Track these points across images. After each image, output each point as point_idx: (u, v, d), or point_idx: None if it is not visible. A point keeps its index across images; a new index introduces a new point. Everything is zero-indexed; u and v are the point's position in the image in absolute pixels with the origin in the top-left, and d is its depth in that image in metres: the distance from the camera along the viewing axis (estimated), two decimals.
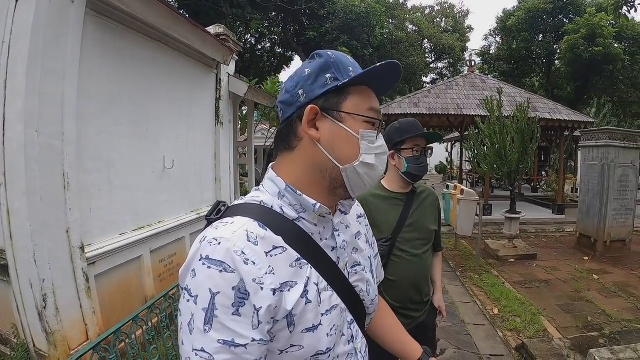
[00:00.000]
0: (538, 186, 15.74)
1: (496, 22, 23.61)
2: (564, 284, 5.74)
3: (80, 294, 2.86)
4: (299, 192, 0.85)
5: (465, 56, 22.48)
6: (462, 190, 7.04)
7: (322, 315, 0.82)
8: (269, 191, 0.88)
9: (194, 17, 12.97)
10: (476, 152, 7.60)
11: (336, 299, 0.86)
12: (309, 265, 0.82)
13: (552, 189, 13.33)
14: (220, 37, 5.49)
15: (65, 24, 2.65)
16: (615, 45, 17.82)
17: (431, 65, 25.02)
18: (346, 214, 0.97)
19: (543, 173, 16.53)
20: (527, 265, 6.68)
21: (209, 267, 0.71)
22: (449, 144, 23.93)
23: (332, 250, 0.90)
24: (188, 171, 4.68)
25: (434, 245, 2.19)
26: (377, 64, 0.82)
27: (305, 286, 0.80)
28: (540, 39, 21.78)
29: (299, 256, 0.81)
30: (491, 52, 24.27)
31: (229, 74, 5.76)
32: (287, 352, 0.77)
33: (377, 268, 1.20)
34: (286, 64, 21.06)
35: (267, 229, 0.79)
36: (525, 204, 12.11)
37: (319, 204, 0.85)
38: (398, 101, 11.80)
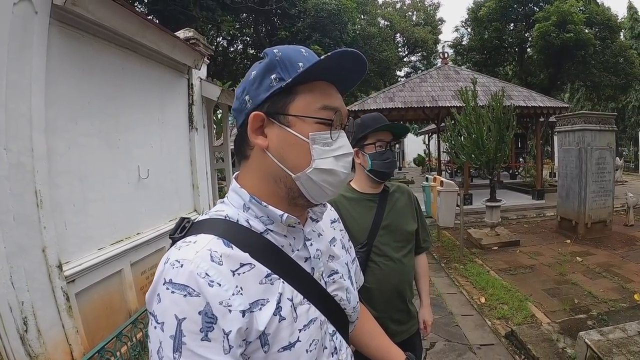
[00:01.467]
0: (517, 173, 16.10)
1: (467, 14, 23.95)
2: (549, 268, 5.87)
3: (62, 314, 2.75)
4: (264, 203, 0.80)
5: (438, 49, 22.78)
6: (442, 182, 7.12)
7: (300, 330, 0.77)
8: (234, 204, 0.83)
9: (164, 22, 12.74)
10: (454, 142, 7.69)
11: (314, 312, 0.82)
12: (281, 280, 0.77)
13: (530, 175, 13.64)
14: (190, 41, 5.38)
15: (29, 35, 2.53)
16: (586, 30, 18.23)
17: (404, 59, 25.24)
18: (317, 221, 0.92)
19: (521, 160, 16.90)
20: (511, 252, 6.81)
21: (172, 292, 0.66)
22: (426, 136, 24.22)
23: (305, 261, 0.85)
24: (164, 179, 4.57)
25: (415, 246, 2.05)
26: (326, 54, 0.74)
27: (278, 303, 0.75)
28: (511, 28, 22.21)
29: (269, 271, 0.76)
30: (463, 43, 24.62)
31: (201, 78, 5.66)
32: None
33: (356, 273, 1.16)
34: None
35: (233, 245, 0.74)
36: (505, 191, 12.36)
37: (286, 215, 0.80)
38: (373, 96, 11.89)
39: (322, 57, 0.74)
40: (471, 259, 6.60)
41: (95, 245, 3.35)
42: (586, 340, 3.12)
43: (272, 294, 0.75)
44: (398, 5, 25.31)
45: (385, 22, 22.10)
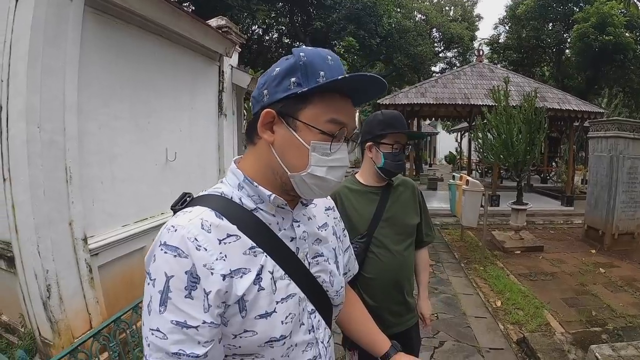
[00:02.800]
0: (548, 177, 15.57)
1: (505, 11, 23.19)
2: (570, 277, 5.70)
3: (84, 284, 2.94)
4: (256, 184, 0.88)
5: (475, 45, 22.16)
6: (467, 181, 7.01)
7: (277, 302, 0.84)
8: (230, 183, 0.91)
9: (199, 9, 12.99)
10: (482, 142, 7.54)
11: (294, 288, 0.88)
12: (265, 254, 0.84)
13: (561, 180, 13.18)
14: (222, 29, 5.49)
15: (64, 22, 2.70)
16: (627, 34, 17.35)
17: (440, 55, 24.70)
18: (306, 205, 0.98)
19: (553, 164, 16.33)
20: (533, 258, 6.64)
21: (165, 252, 0.76)
22: (459, 134, 23.73)
23: (291, 241, 0.92)
24: (191, 163, 4.73)
25: (416, 239, 2.07)
26: (341, 76, 0.80)
27: (259, 274, 0.82)
28: (550, 28, 21.33)
29: (254, 244, 0.83)
30: (500, 41, 23.87)
31: (232, 66, 5.78)
32: (240, 337, 0.81)
33: (349, 261, 1.23)
34: None
35: (224, 218, 0.82)
36: (534, 195, 12.01)
37: (274, 195, 0.87)
38: (405, 91, 11.75)
39: (340, 77, 0.80)
40: (492, 261, 6.48)
41: (120, 222, 3.53)
42: (597, 354, 3.04)
43: (254, 265, 0.82)
44: (435, 0, 24.74)
45: (422, 16, 21.65)
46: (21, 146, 2.57)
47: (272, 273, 0.84)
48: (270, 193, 0.87)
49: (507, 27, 23.38)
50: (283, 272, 0.87)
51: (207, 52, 5.04)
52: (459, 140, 24.44)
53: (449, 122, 24.56)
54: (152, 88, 3.96)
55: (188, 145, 4.65)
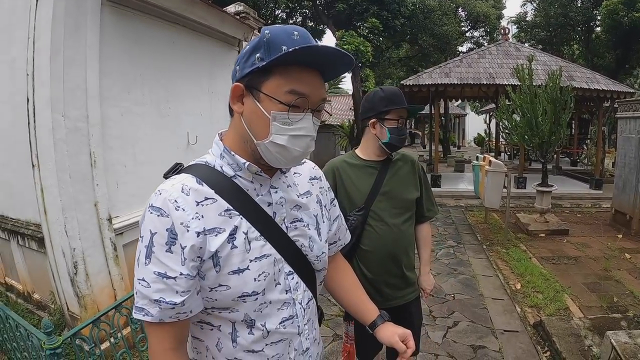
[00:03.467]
0: (578, 159, 15.03)
1: None
2: (594, 261, 5.57)
3: (109, 262, 3.14)
4: (233, 153, 0.96)
5: (502, 24, 21.33)
6: (490, 161, 6.90)
7: (251, 261, 0.93)
8: (214, 153, 1.00)
9: None
10: (507, 122, 7.38)
11: (269, 249, 0.96)
12: (240, 216, 0.93)
13: (591, 162, 12.71)
14: (240, 15, 5.55)
15: (83, 15, 2.84)
16: None
17: (466, 34, 23.89)
18: (284, 173, 1.06)
19: (584, 146, 15.73)
20: (558, 241, 6.50)
21: (151, 213, 0.87)
22: (487, 115, 23.13)
23: (268, 206, 0.99)
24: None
25: (417, 214, 2.09)
26: (292, 48, 0.83)
27: (233, 233, 0.91)
28: (578, 4, 20.12)
29: (230, 207, 0.92)
30: (527, 19, 22.83)
31: None
32: (216, 290, 0.91)
33: (340, 230, 1.29)
34: (318, 38, 20.72)
35: (203, 183, 0.92)
36: (562, 178, 11.67)
37: (248, 163, 0.95)
38: (428, 71, 11.53)
39: (288, 50, 0.84)
40: (515, 243, 6.40)
41: (143, 204, 3.67)
42: (612, 340, 2.97)
43: (229, 225, 0.91)
44: None
45: None
46: (47, 134, 2.75)
47: (246, 234, 0.93)
48: (245, 161, 0.95)
49: (534, 5, 22.31)
50: (258, 234, 0.95)
51: (225, 37, 5.12)
52: (487, 122, 23.82)
53: (477, 104, 23.99)
54: (172, 74, 4.09)
55: (209, 129, 4.79)
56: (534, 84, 6.88)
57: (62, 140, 2.80)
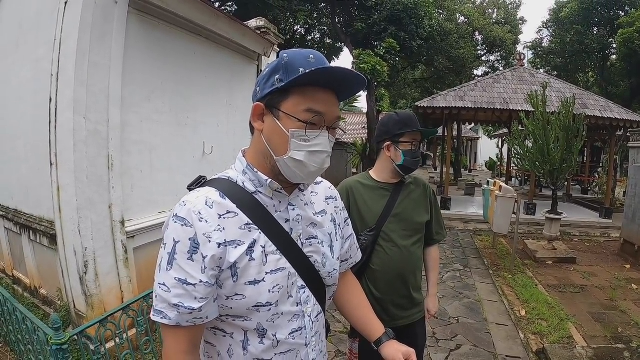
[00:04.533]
0: (589, 188, 14.88)
1: (549, 14, 22.20)
2: (600, 291, 5.50)
3: (119, 263, 3.19)
4: (256, 170, 1.02)
5: (518, 49, 21.44)
6: (500, 187, 6.88)
7: (267, 273, 0.97)
8: (237, 168, 1.06)
9: (242, 9, 13.33)
10: (519, 148, 7.38)
11: (285, 263, 1.01)
12: (259, 231, 0.98)
13: (602, 191, 12.58)
14: (261, 30, 5.68)
15: (110, 22, 2.95)
16: None
17: (482, 58, 24.03)
18: (303, 191, 1.11)
19: (595, 174, 15.59)
20: (565, 269, 6.44)
21: (175, 222, 0.92)
22: (500, 139, 23.07)
23: (286, 222, 1.04)
24: (228, 157, 4.93)
25: (426, 237, 2.14)
26: (309, 70, 0.91)
27: (251, 246, 0.96)
28: (594, 32, 20.22)
29: (250, 221, 0.97)
30: (543, 45, 22.97)
31: None
32: (232, 299, 0.96)
33: (351, 249, 1.34)
34: (336, 55, 20.88)
35: (226, 198, 0.98)
36: (572, 206, 11.56)
37: (270, 180, 1.01)
38: (443, 94, 11.56)
39: (306, 71, 0.91)
40: (522, 270, 6.34)
41: (156, 209, 3.77)
42: None
43: (248, 238, 0.96)
44: (478, 2, 24.01)
45: (464, 19, 21.14)
46: (68, 134, 2.84)
47: (263, 247, 0.98)
48: (268, 178, 1.01)
49: (550, 31, 22.48)
50: (275, 248, 1.00)
51: (245, 51, 5.24)
52: (499, 146, 23.75)
53: (490, 128, 23.93)
54: (192, 85, 4.20)
55: (225, 140, 4.88)
56: (547, 110, 6.89)
57: (82, 142, 2.88)
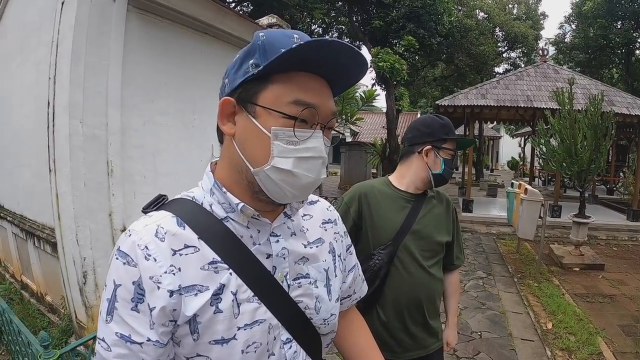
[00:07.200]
0: (614, 188, 14.25)
1: (571, 8, 21.36)
2: (630, 301, 5.16)
3: None
4: (224, 190, 0.77)
5: (540, 45, 20.85)
6: (526, 189, 6.57)
7: (239, 329, 0.73)
8: (203, 186, 0.81)
9: (257, 7, 13.24)
10: (544, 148, 7.04)
11: (264, 314, 0.76)
12: (230, 271, 0.73)
13: (628, 192, 12.00)
14: (273, 27, 5.53)
15: (108, 21, 2.82)
16: None
17: (503, 55, 23.47)
18: (290, 217, 0.85)
19: (620, 174, 14.94)
20: (593, 276, 6.09)
21: (117, 258, 0.70)
22: (522, 138, 22.49)
23: (267, 258, 0.79)
24: None
25: (446, 261, 1.87)
26: (297, 44, 0.66)
27: (218, 294, 0.72)
28: (618, 26, 19.43)
29: (217, 258, 0.73)
30: (566, 40, 22.22)
31: None
32: None
33: (355, 282, 1.08)
34: None
35: (186, 226, 0.73)
36: (598, 207, 11.05)
37: (242, 204, 0.75)
38: (464, 92, 11.24)
39: (300, 44, 0.66)
40: (548, 277, 6.04)
41: None
42: None
43: (213, 282, 0.72)
44: None
45: (484, 15, 20.60)
46: (64, 139, 2.73)
47: (235, 294, 0.73)
48: (239, 201, 0.75)
49: (573, 26, 21.72)
50: (251, 294, 0.75)
51: None
52: (522, 145, 23.15)
53: (512, 126, 23.34)
54: (199, 85, 4.04)
55: None
56: (574, 108, 6.55)
57: (78, 147, 2.76)
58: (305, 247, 0.87)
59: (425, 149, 1.70)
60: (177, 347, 0.72)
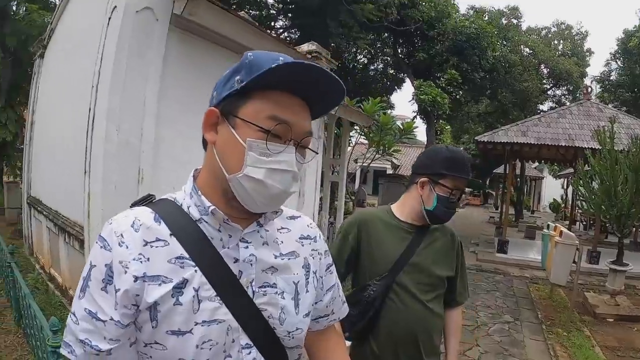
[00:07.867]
0: None
1: (617, 44, 20.71)
2: None
3: None
4: (200, 193, 0.84)
5: (585, 82, 20.22)
6: (561, 232, 6.31)
7: (197, 324, 0.77)
8: (185, 189, 0.88)
9: (303, 34, 13.68)
10: (583, 189, 6.77)
11: (224, 314, 0.80)
12: (195, 268, 0.79)
13: None
14: (312, 54, 5.66)
15: (150, 38, 3.05)
16: None
17: (548, 92, 22.90)
18: (261, 225, 0.89)
19: None
20: (627, 329, 5.69)
21: (97, 242, 0.78)
22: (565, 180, 21.60)
23: (234, 262, 0.83)
24: None
25: (448, 297, 1.77)
26: (275, 64, 0.73)
27: (179, 287, 0.77)
28: None
29: (184, 254, 0.79)
30: (612, 78, 21.43)
31: None
32: (151, 347, 0.77)
33: (334, 302, 1.08)
34: (398, 86, 20.59)
35: (161, 222, 0.80)
36: (639, 255, 10.36)
37: (213, 207, 0.81)
38: (505, 128, 11.00)
39: (271, 66, 0.73)
40: (579, 326, 5.67)
41: None
42: None
43: (177, 276, 0.77)
44: (543, 33, 23.02)
45: (529, 51, 20.31)
46: (100, 144, 2.92)
47: (197, 290, 0.78)
48: (210, 205, 0.81)
49: (619, 63, 20.96)
50: (214, 293, 0.79)
51: None
52: (564, 187, 22.21)
53: (555, 167, 22.50)
54: None
55: None
56: (616, 148, 6.29)
57: (112, 152, 2.94)
58: (275, 258, 0.90)
59: (421, 180, 1.65)
60: (138, 333, 0.77)
